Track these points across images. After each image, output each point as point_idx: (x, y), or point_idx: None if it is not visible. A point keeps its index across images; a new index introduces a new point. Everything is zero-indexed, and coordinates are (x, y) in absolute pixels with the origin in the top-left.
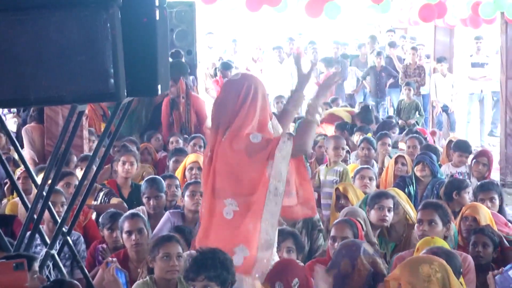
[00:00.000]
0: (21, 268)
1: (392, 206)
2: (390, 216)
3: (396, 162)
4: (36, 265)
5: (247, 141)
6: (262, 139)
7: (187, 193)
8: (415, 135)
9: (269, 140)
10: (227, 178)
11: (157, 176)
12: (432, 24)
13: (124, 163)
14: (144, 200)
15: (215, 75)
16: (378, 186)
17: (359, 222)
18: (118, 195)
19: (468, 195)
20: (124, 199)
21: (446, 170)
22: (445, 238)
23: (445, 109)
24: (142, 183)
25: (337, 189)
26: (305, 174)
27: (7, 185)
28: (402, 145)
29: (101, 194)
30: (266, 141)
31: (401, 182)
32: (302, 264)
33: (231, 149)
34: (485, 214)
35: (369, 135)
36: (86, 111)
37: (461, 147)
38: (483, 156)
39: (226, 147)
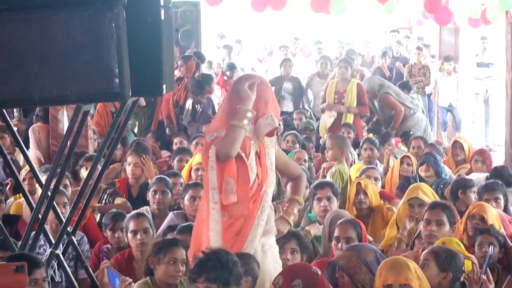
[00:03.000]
0: (21, 271)
1: (331, 195)
2: (332, 206)
3: (401, 162)
4: (38, 272)
5: None
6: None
7: (186, 197)
8: (420, 135)
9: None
10: None
11: (165, 176)
12: (437, 24)
13: (129, 164)
14: (151, 194)
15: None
16: (383, 187)
17: None
18: (126, 194)
19: (474, 195)
20: (133, 197)
21: None
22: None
23: (450, 108)
24: (152, 180)
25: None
26: (246, 176)
27: (8, 186)
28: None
29: (106, 194)
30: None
31: (405, 182)
32: (317, 271)
33: None
34: (492, 213)
35: (371, 135)
36: (93, 108)
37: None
38: (480, 154)
39: None
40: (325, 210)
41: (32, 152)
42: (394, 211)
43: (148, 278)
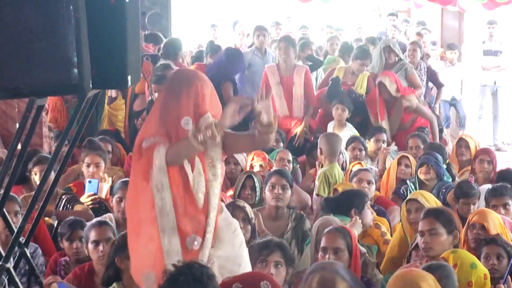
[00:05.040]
0: None
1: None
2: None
3: (399, 163)
4: None
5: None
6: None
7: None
8: (417, 133)
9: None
10: None
11: None
12: (439, 7)
13: (88, 165)
14: (115, 201)
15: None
16: (378, 190)
17: None
18: None
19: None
20: None
21: None
22: (454, 248)
23: (453, 102)
24: (115, 185)
25: (335, 190)
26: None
27: None
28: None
29: (63, 201)
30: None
31: (402, 186)
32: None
33: None
34: (495, 221)
35: (357, 134)
36: (47, 103)
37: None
38: (486, 154)
39: None
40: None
41: None
42: (383, 229)
43: (115, 284)
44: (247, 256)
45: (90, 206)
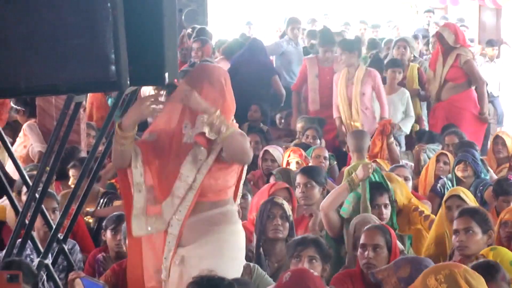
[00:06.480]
0: (15, 280)
1: (388, 202)
2: (387, 213)
3: (437, 160)
4: None
5: None
6: None
7: None
8: (454, 130)
9: None
10: None
11: None
12: (476, 4)
13: None
14: None
15: None
16: (416, 188)
17: None
18: None
19: None
20: None
21: None
22: (488, 247)
23: (491, 99)
24: None
25: None
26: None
27: None
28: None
29: (103, 199)
30: None
31: (439, 183)
32: (316, 273)
33: None
34: None
35: None
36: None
37: None
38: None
39: None
40: (382, 219)
41: (37, 145)
42: (430, 215)
43: None
44: (225, 267)
45: None
